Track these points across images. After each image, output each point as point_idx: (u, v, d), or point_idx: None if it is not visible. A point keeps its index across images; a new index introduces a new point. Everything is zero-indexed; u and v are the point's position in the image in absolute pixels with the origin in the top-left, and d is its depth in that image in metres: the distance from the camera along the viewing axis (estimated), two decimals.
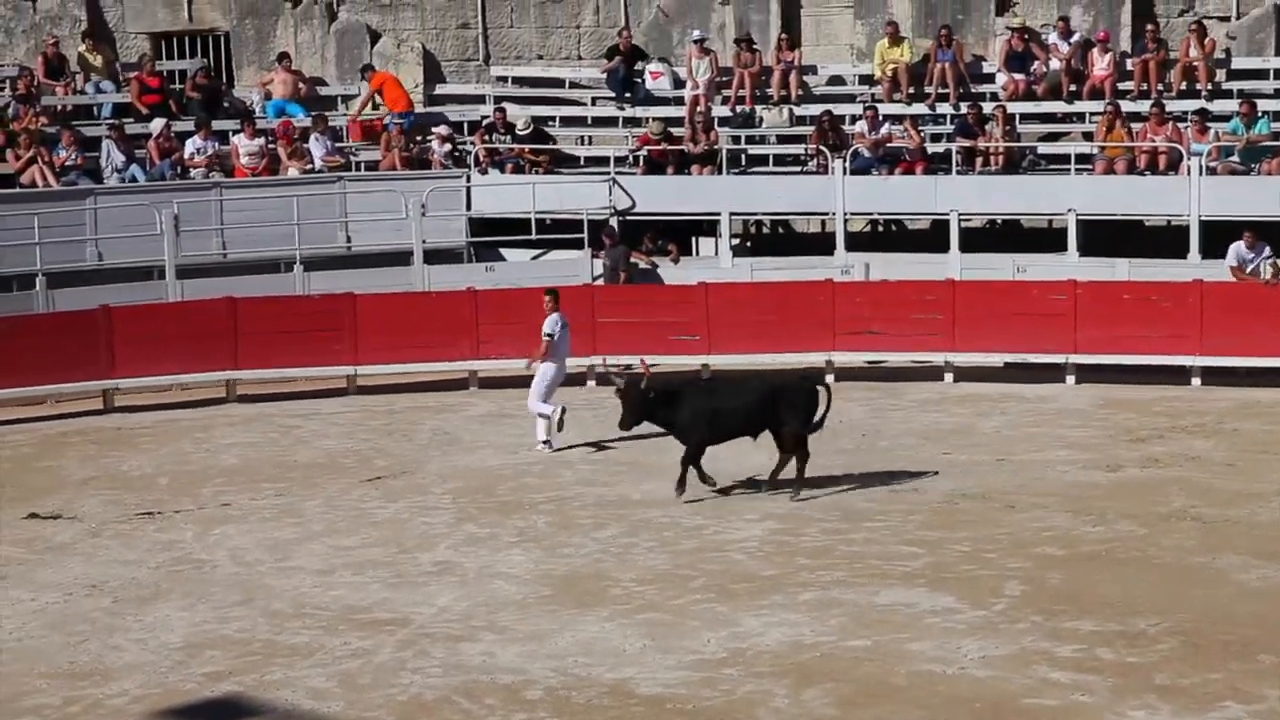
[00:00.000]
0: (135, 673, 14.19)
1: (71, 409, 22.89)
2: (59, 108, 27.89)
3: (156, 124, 27.38)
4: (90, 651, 14.65)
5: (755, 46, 28.76)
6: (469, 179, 27.40)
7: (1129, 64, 27.87)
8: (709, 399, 18.29)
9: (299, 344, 23.64)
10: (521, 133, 27.83)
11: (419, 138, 28.16)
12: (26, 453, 20.28)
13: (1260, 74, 27.56)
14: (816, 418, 18.32)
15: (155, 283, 25.07)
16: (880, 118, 27.27)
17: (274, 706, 13.45)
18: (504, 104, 28.59)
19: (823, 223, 27.41)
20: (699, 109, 28.03)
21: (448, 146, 27.86)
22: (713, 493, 18.30)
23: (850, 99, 28.46)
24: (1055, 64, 27.91)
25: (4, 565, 16.62)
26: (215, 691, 13.82)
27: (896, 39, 28.38)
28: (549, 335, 20.37)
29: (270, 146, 27.49)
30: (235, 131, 27.52)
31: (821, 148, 26.80)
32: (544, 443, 20.61)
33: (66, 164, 26.42)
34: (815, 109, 27.86)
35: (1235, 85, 27.38)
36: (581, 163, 28.34)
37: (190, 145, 27.21)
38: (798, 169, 27.45)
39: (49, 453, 20.40)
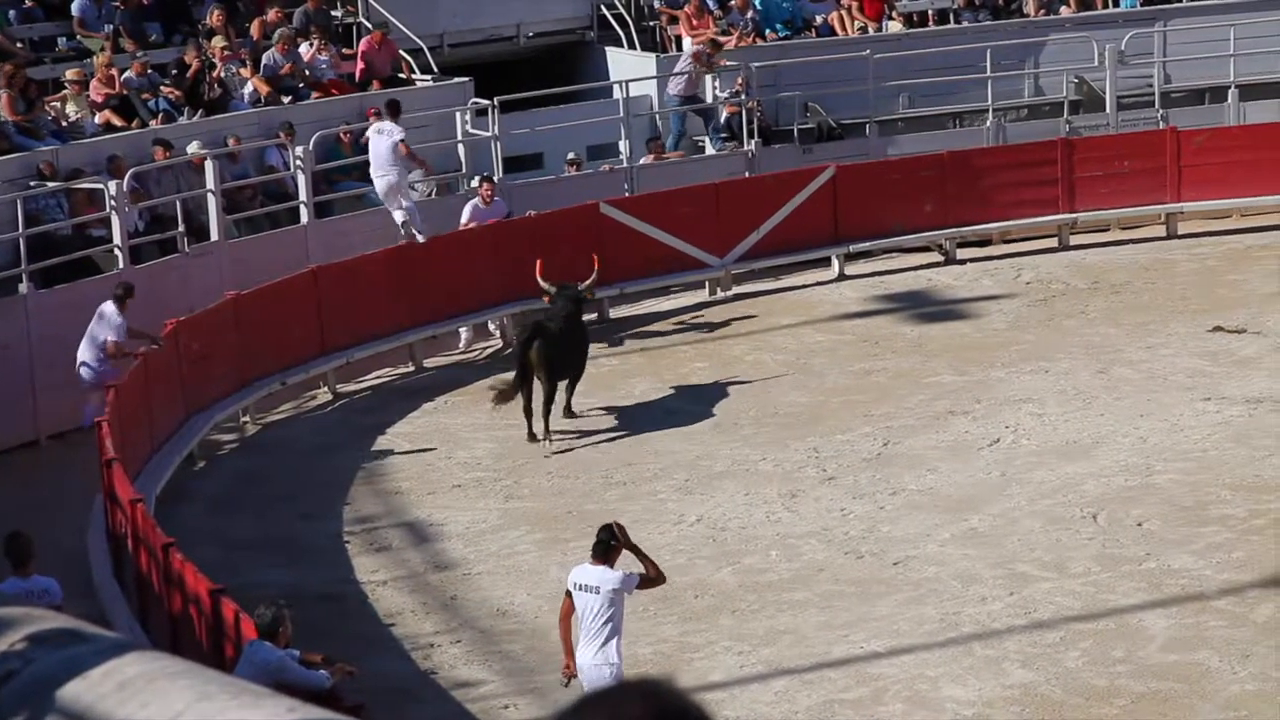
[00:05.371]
0: None
1: (1255, 224, 22.49)
2: None
3: None
4: (1275, 467, 14.80)
5: None
6: None
7: None
8: None
9: None
10: None
11: None
12: (1212, 265, 20.44)
13: None
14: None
15: None
16: None
17: None
18: None
19: None
20: None
21: None
22: None
23: None
24: None
25: (1190, 376, 16.97)
26: None
27: None
28: None
29: None
30: None
31: None
32: None
33: None
34: None
35: None
36: None
37: None
38: None
39: (1235, 267, 20.42)
